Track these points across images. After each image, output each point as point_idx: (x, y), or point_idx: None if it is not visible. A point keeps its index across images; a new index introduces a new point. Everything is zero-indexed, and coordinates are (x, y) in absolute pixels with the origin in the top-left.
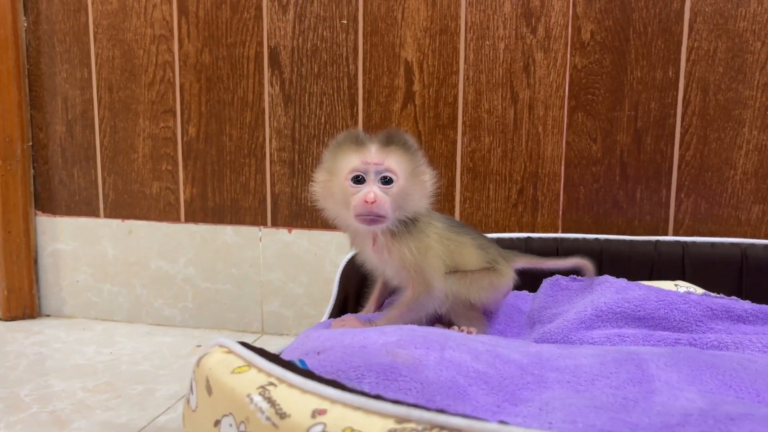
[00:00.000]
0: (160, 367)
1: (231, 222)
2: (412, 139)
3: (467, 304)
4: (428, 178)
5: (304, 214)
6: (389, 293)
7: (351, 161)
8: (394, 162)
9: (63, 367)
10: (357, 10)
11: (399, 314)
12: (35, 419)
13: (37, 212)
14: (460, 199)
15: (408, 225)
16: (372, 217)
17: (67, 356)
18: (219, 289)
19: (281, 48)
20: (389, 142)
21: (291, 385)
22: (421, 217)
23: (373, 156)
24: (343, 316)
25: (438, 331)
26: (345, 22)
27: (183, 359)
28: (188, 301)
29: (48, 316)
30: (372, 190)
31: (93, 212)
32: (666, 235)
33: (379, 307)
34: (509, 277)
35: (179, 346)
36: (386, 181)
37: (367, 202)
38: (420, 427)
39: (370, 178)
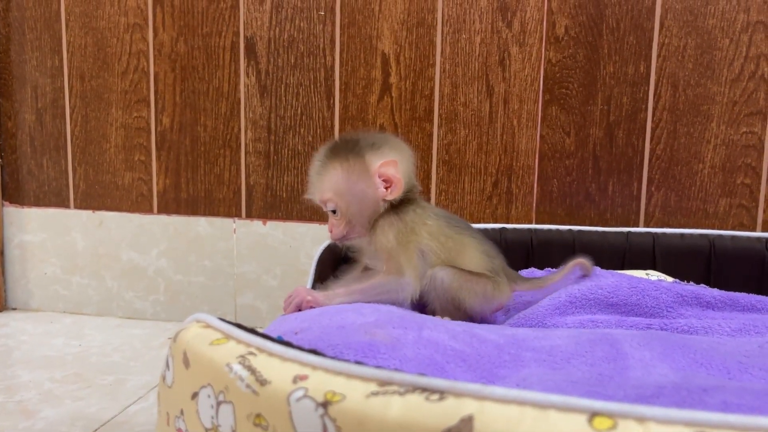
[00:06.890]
0: (131, 359)
1: (205, 213)
2: (348, 142)
3: (456, 302)
4: (381, 175)
5: (279, 206)
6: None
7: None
8: (327, 190)
9: (30, 359)
10: (334, 1)
11: (361, 289)
12: (2, 409)
13: (5, 203)
14: (436, 191)
15: (393, 219)
16: (339, 240)
17: (34, 348)
18: (192, 282)
19: (257, 38)
20: (322, 167)
21: (271, 354)
22: (410, 213)
23: (313, 192)
24: (294, 290)
25: (416, 314)
26: (322, 13)
27: (155, 350)
28: (160, 294)
29: (14, 309)
30: (329, 223)
31: (63, 203)
32: (637, 226)
33: None
34: (505, 295)
35: (151, 338)
36: (333, 210)
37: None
38: (402, 389)
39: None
